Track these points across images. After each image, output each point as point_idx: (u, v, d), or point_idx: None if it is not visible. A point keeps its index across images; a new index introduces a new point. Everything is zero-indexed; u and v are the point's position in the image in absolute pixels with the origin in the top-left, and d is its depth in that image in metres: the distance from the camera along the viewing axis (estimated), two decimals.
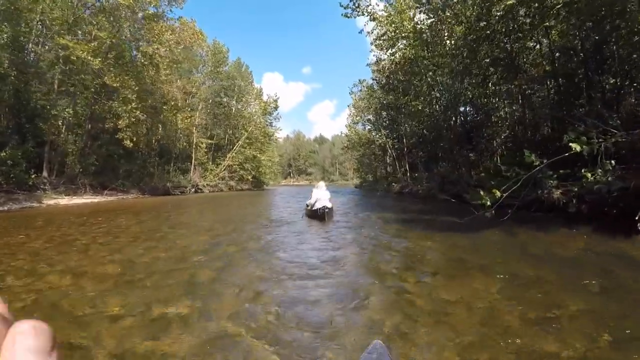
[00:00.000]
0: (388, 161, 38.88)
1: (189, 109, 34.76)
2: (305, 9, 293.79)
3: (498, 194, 8.03)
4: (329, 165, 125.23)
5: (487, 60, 17.18)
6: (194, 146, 40.82)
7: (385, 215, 12.75)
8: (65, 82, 24.73)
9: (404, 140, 29.97)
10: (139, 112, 26.94)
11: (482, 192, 8.15)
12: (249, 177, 45.89)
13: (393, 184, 30.20)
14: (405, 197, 23.34)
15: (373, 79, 32.42)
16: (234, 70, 48.37)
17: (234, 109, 47.76)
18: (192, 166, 40.71)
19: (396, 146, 32.18)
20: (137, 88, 26.65)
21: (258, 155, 46.47)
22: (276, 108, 49.52)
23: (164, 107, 31.35)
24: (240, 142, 44.89)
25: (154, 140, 34.22)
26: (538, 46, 16.17)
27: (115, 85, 24.90)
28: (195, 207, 18.77)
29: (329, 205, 11.45)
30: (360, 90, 38.21)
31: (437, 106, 22.28)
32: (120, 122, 26.07)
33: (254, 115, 47.15)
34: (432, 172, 25.99)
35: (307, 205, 12.41)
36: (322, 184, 12.69)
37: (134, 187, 29.40)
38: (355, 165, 50.35)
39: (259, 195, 32.00)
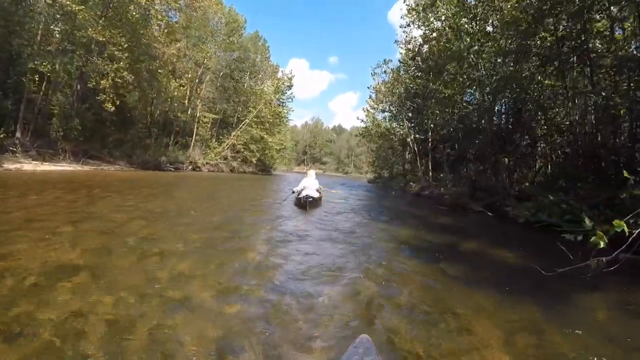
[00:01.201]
0: (407, 157, 34.88)
1: (187, 76, 30.88)
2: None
3: (624, 228, 4.04)
4: (344, 157, 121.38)
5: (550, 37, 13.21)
6: (196, 120, 37.49)
7: (399, 231, 8.75)
8: (50, 34, 21.61)
9: (429, 134, 25.87)
10: (125, 72, 23.47)
11: (586, 220, 4.11)
12: (253, 160, 42.22)
13: (411, 183, 26.27)
14: (424, 201, 19.47)
15: (400, 62, 28.35)
16: (249, 43, 44.59)
17: (245, 85, 44.07)
18: (193, 142, 37.39)
19: (419, 140, 28.10)
20: (126, 45, 23.15)
21: (265, 136, 42.69)
22: (290, 87, 45.52)
23: (159, 72, 27.76)
24: (247, 120, 41.19)
25: (152, 109, 30.93)
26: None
27: (101, 39, 21.54)
28: (171, 187, 15.29)
29: (314, 195, 11.13)
30: (385, 71, 33.67)
31: (476, 94, 18.32)
32: (103, 82, 22.64)
33: (265, 93, 42.97)
34: (458, 174, 22.14)
35: (293, 192, 12.09)
36: (312, 172, 12.52)
37: (122, 159, 26.24)
38: (371, 158, 46.30)
39: (258, 180, 28.30)
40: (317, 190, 11.81)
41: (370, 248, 6.28)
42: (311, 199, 10.50)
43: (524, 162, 18.19)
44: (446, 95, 19.80)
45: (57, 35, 22.38)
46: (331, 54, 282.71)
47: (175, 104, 30.81)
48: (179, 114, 34.76)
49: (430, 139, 25.99)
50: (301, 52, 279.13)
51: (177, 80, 29.47)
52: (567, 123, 14.17)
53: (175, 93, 29.33)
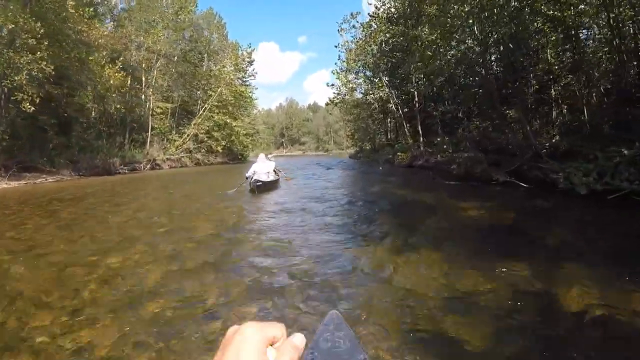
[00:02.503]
0: (390, 125, 31.00)
1: (120, 62, 25.90)
2: None
3: None
4: (323, 134, 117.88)
5: None
6: (150, 112, 32.99)
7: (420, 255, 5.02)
8: None
9: (415, 93, 21.80)
10: (44, 63, 18.94)
11: None
12: (219, 148, 37.79)
13: (399, 153, 22.35)
14: (421, 174, 15.75)
15: (370, 15, 23.93)
16: (202, 21, 39.70)
17: (205, 67, 39.26)
18: (149, 137, 32.92)
19: (403, 102, 24.00)
20: (42, 31, 18.69)
21: (229, 121, 38.08)
22: (251, 63, 40.74)
23: (90, 59, 23.21)
24: (207, 106, 36.57)
25: (98, 106, 26.34)
26: None
27: (10, 26, 17.12)
28: (103, 200, 11.10)
29: (263, 178, 11.10)
30: (353, 26, 28.51)
31: (467, 38, 14.43)
32: (17, 78, 18.07)
33: (224, 73, 38.05)
34: (455, 136, 18.38)
35: (247, 178, 11.61)
36: (261, 156, 12.64)
37: (66, 167, 21.74)
38: (350, 131, 41.93)
39: (222, 172, 24.08)
40: (271, 173, 12.08)
41: None
42: (260, 183, 10.59)
43: (536, 111, 14.50)
44: (429, 41, 15.83)
45: None
46: (300, 33, 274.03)
47: (114, 95, 25.88)
48: (127, 108, 30.45)
49: (416, 99, 22.01)
50: (270, 36, 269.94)
51: (112, 66, 24.77)
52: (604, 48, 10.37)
53: (112, 82, 24.65)
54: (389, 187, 11.54)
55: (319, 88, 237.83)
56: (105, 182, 17.73)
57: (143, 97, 33.07)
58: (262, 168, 11.78)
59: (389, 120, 32.22)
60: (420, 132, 20.87)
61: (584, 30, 11.47)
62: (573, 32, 11.36)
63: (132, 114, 32.35)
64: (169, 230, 6.06)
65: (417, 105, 21.65)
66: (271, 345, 0.43)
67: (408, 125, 23.01)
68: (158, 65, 33.96)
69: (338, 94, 31.48)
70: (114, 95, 26.05)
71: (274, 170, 12.58)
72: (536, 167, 9.78)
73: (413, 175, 15.63)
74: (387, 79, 23.63)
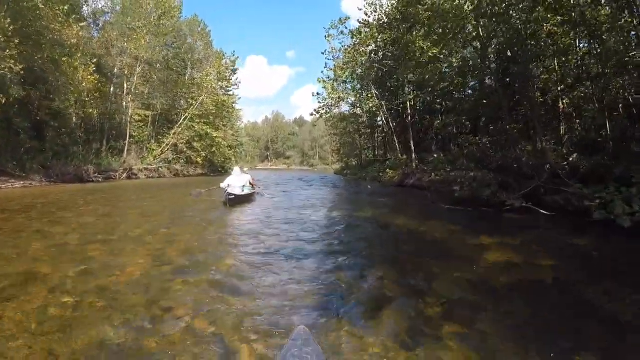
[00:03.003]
0: (378, 141, 29.64)
1: (94, 63, 24.12)
2: None
3: None
4: (308, 149, 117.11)
5: None
6: (129, 119, 31.25)
7: None
8: None
9: (408, 103, 20.43)
10: (12, 62, 17.48)
11: None
12: (199, 160, 36.00)
13: (388, 170, 20.89)
14: (414, 195, 14.31)
15: (360, 22, 22.57)
16: (185, 27, 38.14)
17: (187, 76, 37.60)
18: (127, 145, 31.11)
19: (394, 114, 22.56)
20: (11, 27, 17.25)
21: (209, 131, 36.36)
22: (235, 72, 39.22)
23: (63, 60, 21.51)
24: (187, 115, 34.81)
25: (71, 111, 24.48)
26: None
27: None
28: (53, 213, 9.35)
29: (236, 192, 10.96)
30: (341, 32, 26.07)
31: (473, 43, 13.17)
32: None
33: (206, 82, 36.26)
34: (449, 152, 17.08)
35: (222, 189, 11.43)
36: (236, 169, 12.45)
37: (37, 172, 20.46)
38: (336, 146, 40.31)
39: (205, 183, 22.12)
40: (246, 186, 12.05)
41: None
42: (232, 197, 10.39)
43: (543, 126, 13.23)
44: (425, 47, 14.57)
45: None
46: (289, 48, 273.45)
47: (87, 100, 24.06)
48: (105, 114, 28.90)
49: (409, 111, 20.57)
50: (259, 49, 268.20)
51: (85, 68, 23.01)
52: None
53: (85, 85, 22.90)
54: (380, 212, 9.87)
55: (306, 103, 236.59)
56: (70, 191, 16.14)
57: (124, 103, 31.37)
58: (236, 181, 11.63)
59: (376, 135, 30.88)
60: (413, 147, 19.44)
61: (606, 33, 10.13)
62: (596, 33, 10.04)
63: (113, 120, 30.94)
64: (88, 270, 4.40)
65: (409, 118, 20.25)
66: None
67: (398, 140, 21.60)
68: (139, 72, 32.40)
69: (324, 105, 29.68)
70: (86, 99, 24.20)
71: (250, 183, 12.50)
72: (555, 190, 8.38)
73: (406, 197, 14.12)
74: (376, 89, 22.19)
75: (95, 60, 24.15)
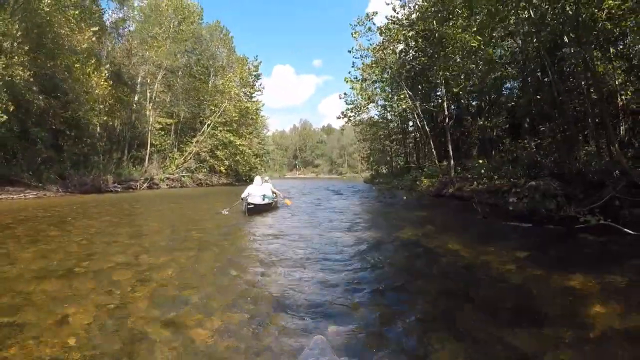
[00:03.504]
0: (410, 147, 27.48)
1: (106, 69, 23.20)
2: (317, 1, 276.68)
3: None
4: (336, 157, 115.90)
5: None
6: (149, 128, 30.46)
7: None
8: None
9: (444, 105, 18.06)
10: (22, 70, 17.12)
11: None
12: (222, 168, 34.77)
13: (423, 179, 18.69)
14: (458, 206, 12.26)
15: (389, 18, 20.61)
16: (206, 33, 37.24)
17: (210, 84, 36.61)
18: (147, 154, 30.31)
19: (428, 115, 20.40)
20: (20, 34, 17.07)
21: (232, 138, 35.12)
22: (258, 77, 37.88)
23: (76, 66, 20.73)
24: (209, 122, 33.70)
25: (92, 120, 23.79)
26: None
27: None
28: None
29: (256, 201, 10.82)
30: (369, 28, 23.29)
31: (524, 27, 11.03)
32: None
33: (228, 87, 34.81)
34: (490, 157, 14.89)
35: (242, 199, 11.30)
36: (257, 178, 12.18)
37: (54, 182, 19.76)
38: (366, 152, 37.99)
39: (227, 193, 20.58)
40: (267, 196, 11.84)
41: None
42: (252, 206, 10.33)
43: (601, 123, 10.95)
44: (467, 37, 12.50)
45: None
46: (315, 57, 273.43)
47: (101, 107, 23.13)
48: (126, 123, 28.51)
49: (446, 113, 18.26)
50: (285, 58, 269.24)
51: (98, 74, 22.13)
52: None
53: (98, 91, 22.00)
54: (422, 230, 7.78)
55: (334, 111, 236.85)
56: (80, 202, 15.25)
57: (146, 112, 30.68)
58: (256, 191, 11.48)
59: (408, 140, 28.70)
60: (451, 153, 17.14)
61: None
62: None
63: (135, 129, 30.42)
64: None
65: (446, 120, 18.04)
66: None
67: (435, 144, 19.29)
68: (160, 79, 31.70)
69: (353, 107, 27.38)
70: (101, 106, 23.28)
71: (272, 192, 12.50)
72: (634, 202, 6.26)
73: (448, 209, 12.01)
74: (409, 89, 19.95)
75: (107, 65, 23.32)
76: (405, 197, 15.08)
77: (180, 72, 34.60)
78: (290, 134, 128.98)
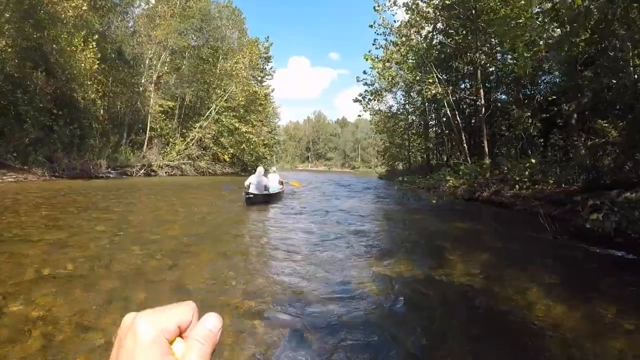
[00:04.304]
0: (433, 140, 24.68)
1: (94, 40, 20.58)
2: None
3: None
4: (350, 150, 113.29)
5: None
6: (149, 111, 28.35)
7: None
8: None
9: (481, 92, 15.15)
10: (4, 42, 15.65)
11: None
12: (226, 157, 32.43)
13: (448, 178, 15.71)
14: (505, 216, 9.64)
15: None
16: (215, 11, 34.69)
17: (219, 67, 34.06)
18: (146, 138, 28.25)
19: (462, 105, 17.45)
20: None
21: (238, 125, 32.68)
22: (269, 60, 35.17)
23: (62, 37, 18.56)
24: (213, 107, 31.29)
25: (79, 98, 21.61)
26: None
27: None
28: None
29: (255, 191, 10.86)
30: (394, 2, 19.73)
31: None
32: None
33: (236, 70, 32.24)
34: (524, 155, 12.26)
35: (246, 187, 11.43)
36: (260, 169, 11.76)
37: (41, 165, 18.40)
38: (383, 145, 34.75)
39: (230, 184, 18.00)
40: (270, 186, 11.78)
41: None
42: (251, 196, 10.42)
43: None
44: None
45: None
46: (331, 49, 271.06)
47: (89, 83, 20.79)
48: (125, 104, 26.86)
49: (482, 102, 15.29)
50: (301, 50, 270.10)
51: (85, 47, 19.88)
52: None
53: (84, 65, 19.74)
54: (483, 263, 4.98)
55: (349, 105, 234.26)
56: (59, 189, 13.64)
57: (146, 93, 28.72)
58: (258, 181, 11.32)
59: (429, 134, 25.93)
60: (487, 149, 14.30)
61: None
62: None
63: (138, 113, 28.92)
64: None
65: (482, 110, 15.09)
66: (180, 335, 0.36)
67: (469, 139, 16.34)
68: (163, 58, 29.50)
69: (373, 90, 24.25)
70: (89, 82, 20.95)
71: (279, 182, 12.69)
72: None
73: (498, 222, 9.00)
74: (439, 72, 16.85)
75: (96, 36, 20.84)
76: (434, 201, 12.30)
77: (187, 53, 32.43)
78: (304, 125, 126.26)
